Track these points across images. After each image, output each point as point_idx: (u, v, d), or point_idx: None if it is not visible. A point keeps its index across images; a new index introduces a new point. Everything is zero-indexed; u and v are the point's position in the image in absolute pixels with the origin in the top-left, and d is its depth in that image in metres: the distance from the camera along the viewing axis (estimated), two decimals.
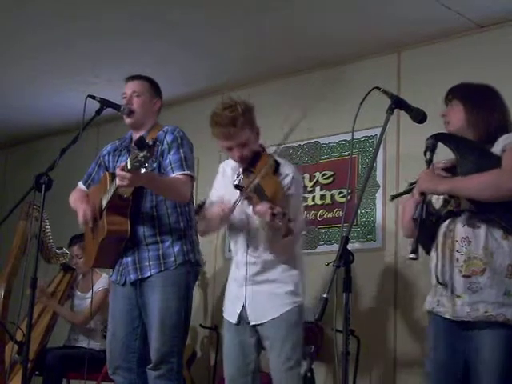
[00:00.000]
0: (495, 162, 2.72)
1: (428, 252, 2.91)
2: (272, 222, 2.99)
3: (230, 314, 3.40)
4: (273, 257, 3.30)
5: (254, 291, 3.32)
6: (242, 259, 3.37)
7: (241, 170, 3.33)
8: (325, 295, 2.35)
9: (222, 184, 3.47)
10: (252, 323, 3.31)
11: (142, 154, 2.98)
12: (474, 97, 2.91)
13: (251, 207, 3.17)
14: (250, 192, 3.12)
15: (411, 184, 3.38)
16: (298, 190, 3.34)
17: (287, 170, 3.30)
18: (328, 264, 4.51)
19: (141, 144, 2.97)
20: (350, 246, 2.46)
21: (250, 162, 3.28)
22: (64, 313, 5.20)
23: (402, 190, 3.47)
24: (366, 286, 4.87)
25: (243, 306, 3.33)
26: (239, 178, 3.29)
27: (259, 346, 3.35)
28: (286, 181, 3.26)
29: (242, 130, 3.25)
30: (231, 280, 3.48)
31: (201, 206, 5.16)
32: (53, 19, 4.80)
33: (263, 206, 3.03)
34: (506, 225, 2.69)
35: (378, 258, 4.88)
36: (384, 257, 4.85)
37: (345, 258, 2.40)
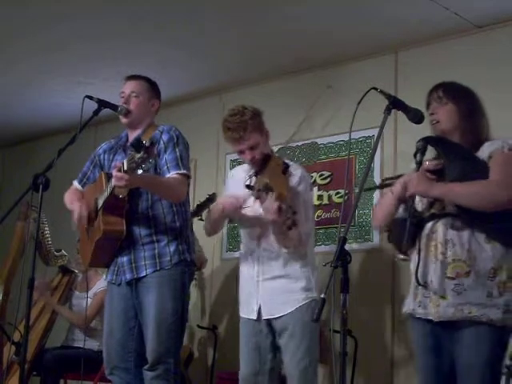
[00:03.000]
0: (481, 168, 2.74)
1: (401, 251, 2.91)
2: (278, 217, 3.09)
3: (248, 312, 3.48)
4: (285, 253, 3.39)
5: (268, 287, 3.40)
6: (255, 257, 3.47)
7: (252, 171, 3.50)
8: (322, 295, 2.36)
9: (234, 188, 3.63)
10: (265, 317, 3.39)
11: (138, 156, 2.98)
12: (467, 101, 2.91)
13: (262, 206, 3.31)
14: (259, 191, 3.28)
15: (384, 180, 3.39)
16: (306, 188, 3.48)
17: (296, 170, 3.47)
18: (325, 264, 4.49)
19: (138, 145, 2.97)
20: (347, 247, 2.47)
21: (261, 164, 3.44)
22: (65, 313, 5.19)
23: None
24: (364, 287, 4.87)
25: (258, 302, 3.42)
26: (251, 179, 3.45)
27: (275, 346, 3.42)
28: (295, 179, 3.41)
29: (251, 134, 3.45)
30: (243, 278, 3.55)
31: (209, 200, 5.15)
32: (52, 20, 4.80)
33: (271, 202, 3.14)
34: (486, 232, 2.72)
35: (376, 258, 4.88)
36: (381, 257, 4.86)
37: (342, 259, 2.41)
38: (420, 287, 2.80)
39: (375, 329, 4.81)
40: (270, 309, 3.40)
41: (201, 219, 5.13)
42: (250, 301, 3.46)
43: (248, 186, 3.35)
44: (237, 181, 3.60)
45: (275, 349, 3.41)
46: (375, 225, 3.16)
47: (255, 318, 3.42)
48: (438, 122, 2.90)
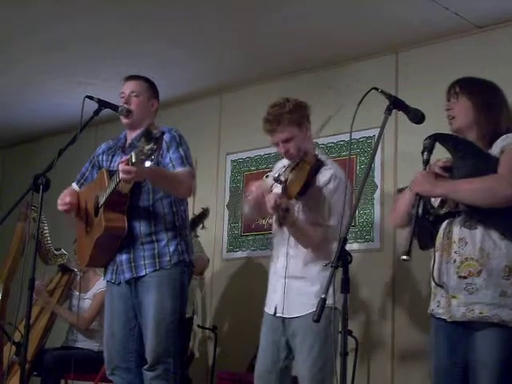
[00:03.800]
0: (493, 165, 2.71)
1: (422, 247, 2.89)
2: (273, 211, 3.15)
3: (268, 306, 3.47)
4: (308, 253, 3.36)
5: (287, 285, 3.38)
6: (282, 252, 3.44)
7: (287, 165, 3.46)
8: (323, 296, 2.35)
9: (270, 180, 3.59)
10: (279, 315, 3.38)
11: (148, 147, 2.94)
12: (484, 95, 2.86)
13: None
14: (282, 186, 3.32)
15: None
16: (335, 188, 3.38)
17: (327, 169, 3.39)
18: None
19: (148, 136, 2.94)
20: (348, 247, 2.46)
21: (299, 159, 3.40)
22: (66, 315, 5.18)
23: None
24: (364, 287, 4.87)
25: (277, 299, 3.41)
26: (283, 173, 3.42)
27: (289, 345, 3.39)
28: (323, 180, 3.35)
29: (286, 127, 3.42)
30: (271, 273, 3.54)
31: (202, 216, 5.09)
32: (52, 20, 4.80)
33: (270, 196, 3.18)
34: (501, 229, 2.69)
35: (376, 258, 4.88)
36: (382, 257, 4.85)
37: (343, 259, 2.40)
38: (438, 287, 2.79)
39: (376, 329, 4.81)
40: (284, 307, 3.38)
41: (196, 236, 5.09)
42: (272, 296, 3.46)
43: (276, 179, 3.35)
44: (275, 172, 3.58)
45: (290, 348, 3.39)
46: (394, 221, 3.13)
47: (272, 313, 3.41)
48: (453, 117, 2.88)
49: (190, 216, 5.06)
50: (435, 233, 2.85)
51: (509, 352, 2.66)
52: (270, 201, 3.16)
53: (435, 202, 2.91)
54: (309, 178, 3.24)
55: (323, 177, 3.35)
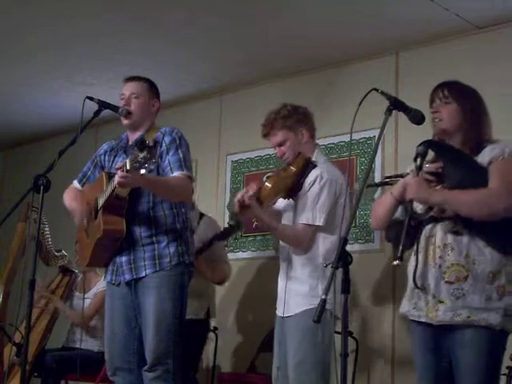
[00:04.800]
0: (483, 174, 2.73)
1: (397, 254, 2.91)
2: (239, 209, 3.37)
3: (277, 307, 3.57)
4: (299, 254, 3.45)
5: (287, 286, 3.47)
6: (284, 255, 3.55)
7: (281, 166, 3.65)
8: (323, 297, 2.35)
9: None
10: (280, 315, 3.48)
11: (141, 155, 2.99)
12: (472, 100, 2.90)
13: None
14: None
15: (386, 178, 3.41)
16: (320, 190, 3.45)
17: (317, 170, 3.48)
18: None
19: (141, 145, 2.98)
20: (348, 248, 2.46)
21: (290, 162, 3.55)
22: (68, 312, 5.18)
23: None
24: (364, 288, 4.87)
25: (279, 299, 3.53)
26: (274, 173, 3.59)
27: None
28: (309, 180, 3.46)
29: (278, 131, 3.58)
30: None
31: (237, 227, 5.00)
32: (51, 20, 4.80)
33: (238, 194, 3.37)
34: (485, 237, 2.71)
35: (377, 259, 4.88)
36: (382, 258, 4.85)
37: (343, 260, 2.41)
38: (417, 290, 2.81)
39: (376, 330, 4.81)
40: (282, 307, 3.46)
41: (226, 246, 4.99)
42: (278, 297, 3.55)
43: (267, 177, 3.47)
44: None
45: None
46: (374, 224, 3.16)
47: (278, 313, 3.52)
48: (439, 120, 2.89)
49: (222, 225, 4.99)
50: (415, 236, 2.86)
51: (494, 352, 2.71)
52: (237, 195, 3.36)
53: (418, 206, 2.90)
54: (293, 181, 3.31)
55: (309, 179, 3.44)
